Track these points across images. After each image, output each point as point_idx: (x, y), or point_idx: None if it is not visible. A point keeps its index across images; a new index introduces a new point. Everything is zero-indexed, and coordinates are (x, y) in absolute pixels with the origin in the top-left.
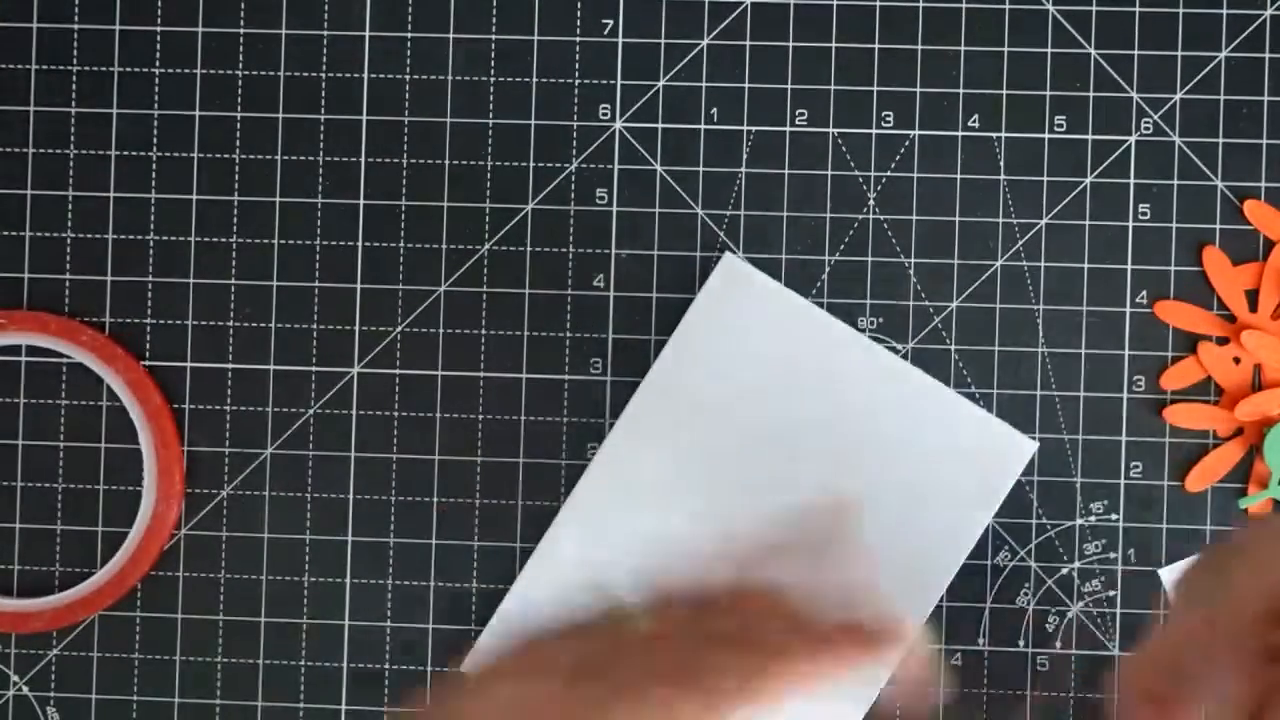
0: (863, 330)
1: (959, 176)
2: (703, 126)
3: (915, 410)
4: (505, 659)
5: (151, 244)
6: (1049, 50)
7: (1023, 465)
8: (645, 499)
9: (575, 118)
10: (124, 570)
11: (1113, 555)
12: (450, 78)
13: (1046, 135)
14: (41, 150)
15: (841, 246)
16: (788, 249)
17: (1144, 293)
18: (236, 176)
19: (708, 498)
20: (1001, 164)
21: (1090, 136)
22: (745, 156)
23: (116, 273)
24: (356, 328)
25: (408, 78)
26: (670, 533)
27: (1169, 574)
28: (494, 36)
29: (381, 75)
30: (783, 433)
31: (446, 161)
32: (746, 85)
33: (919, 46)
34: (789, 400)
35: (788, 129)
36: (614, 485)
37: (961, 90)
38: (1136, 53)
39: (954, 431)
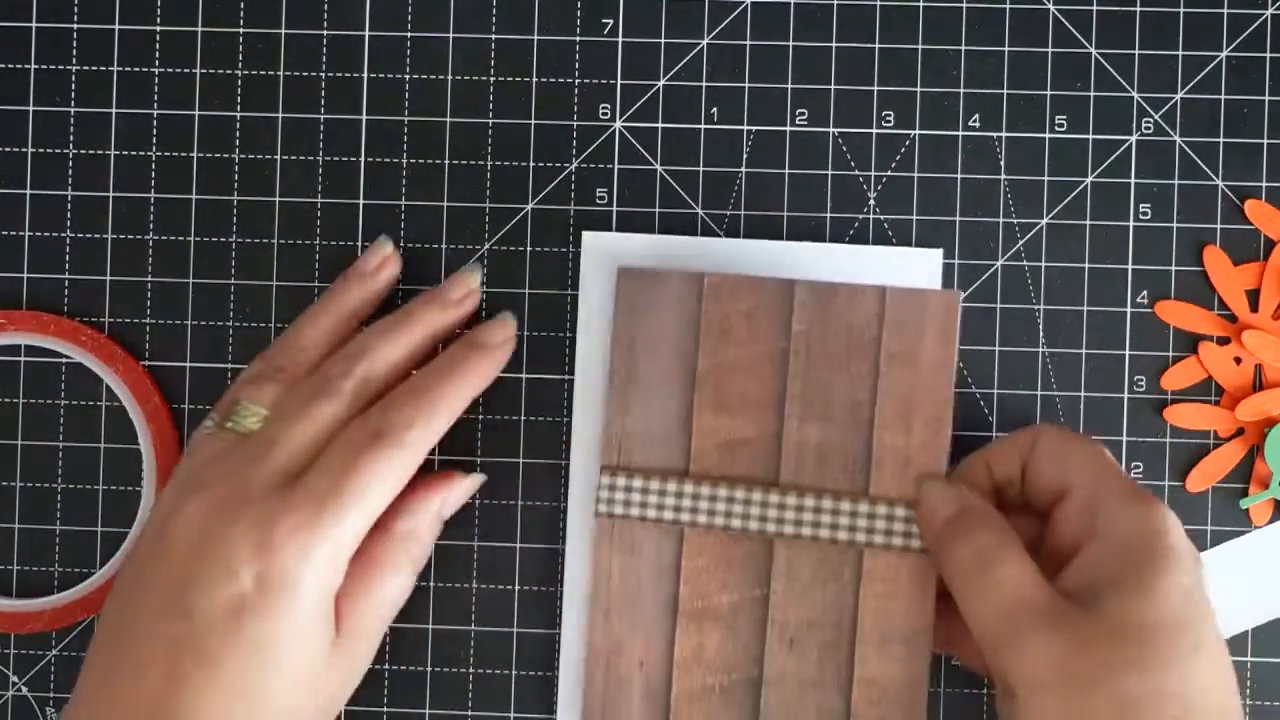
0: None
1: (959, 176)
2: (703, 126)
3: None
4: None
5: (151, 244)
6: (1049, 50)
7: (939, 271)
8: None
9: (575, 118)
10: None
11: None
12: (450, 78)
13: (1047, 135)
14: (41, 150)
15: None
16: None
17: (1144, 293)
18: (236, 176)
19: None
20: (1001, 164)
21: (1090, 136)
22: (745, 156)
23: (116, 273)
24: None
25: (408, 78)
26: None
27: None
28: (494, 36)
29: (381, 75)
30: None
31: (446, 161)
32: (746, 85)
33: (919, 46)
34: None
35: (788, 129)
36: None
37: (961, 90)
38: (1137, 52)
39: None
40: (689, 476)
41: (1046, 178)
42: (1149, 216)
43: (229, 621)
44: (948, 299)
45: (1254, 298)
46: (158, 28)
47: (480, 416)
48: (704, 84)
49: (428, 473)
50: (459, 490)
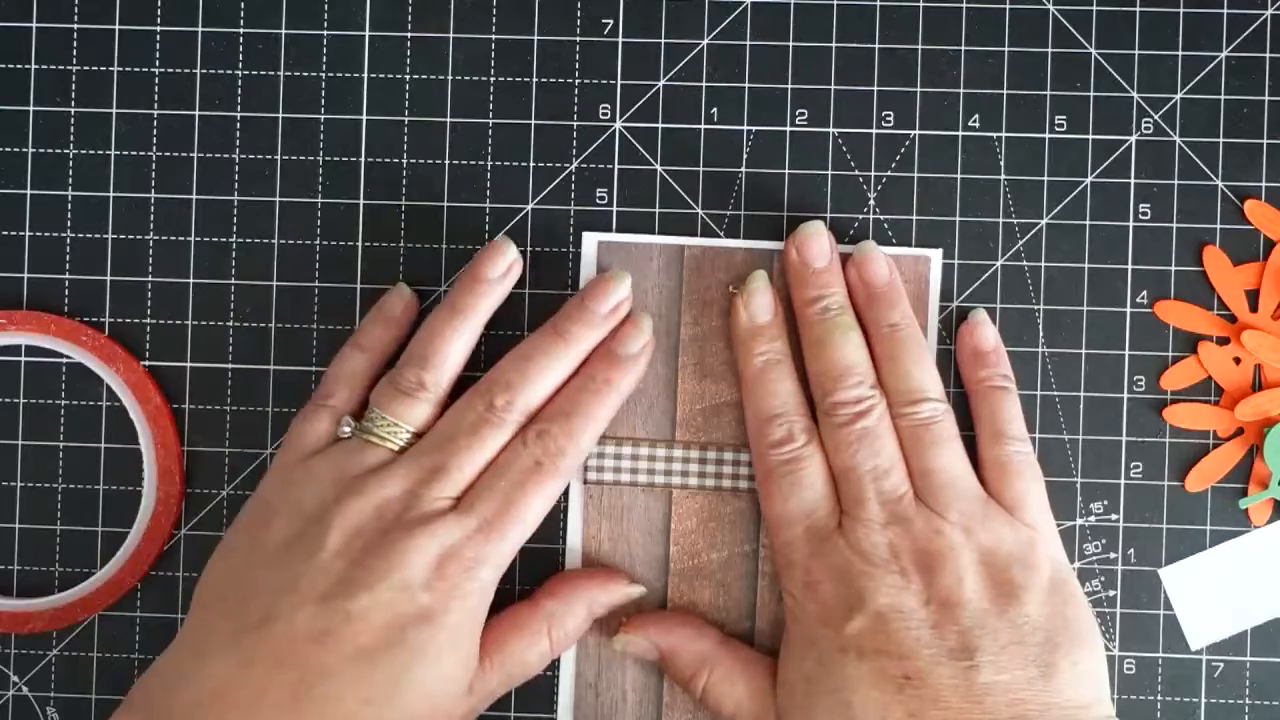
0: None
1: (959, 176)
2: (703, 126)
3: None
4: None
5: (151, 244)
6: (1049, 50)
7: (939, 271)
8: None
9: (575, 118)
10: (124, 570)
11: (1113, 555)
12: (450, 78)
13: (1046, 135)
14: (41, 150)
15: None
16: None
17: (1144, 293)
18: (236, 176)
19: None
20: (1001, 164)
21: (1090, 136)
22: (745, 156)
23: (116, 273)
24: (356, 328)
25: (408, 78)
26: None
27: (1169, 574)
28: (494, 36)
29: (381, 75)
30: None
31: (446, 161)
32: (746, 85)
33: (919, 46)
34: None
35: (788, 129)
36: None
37: (961, 90)
38: (1136, 53)
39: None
40: (675, 442)
41: (1046, 178)
42: (1149, 216)
43: (391, 627)
44: (920, 263)
45: (1253, 298)
46: (158, 28)
47: None
48: (704, 84)
49: (594, 568)
50: (615, 594)
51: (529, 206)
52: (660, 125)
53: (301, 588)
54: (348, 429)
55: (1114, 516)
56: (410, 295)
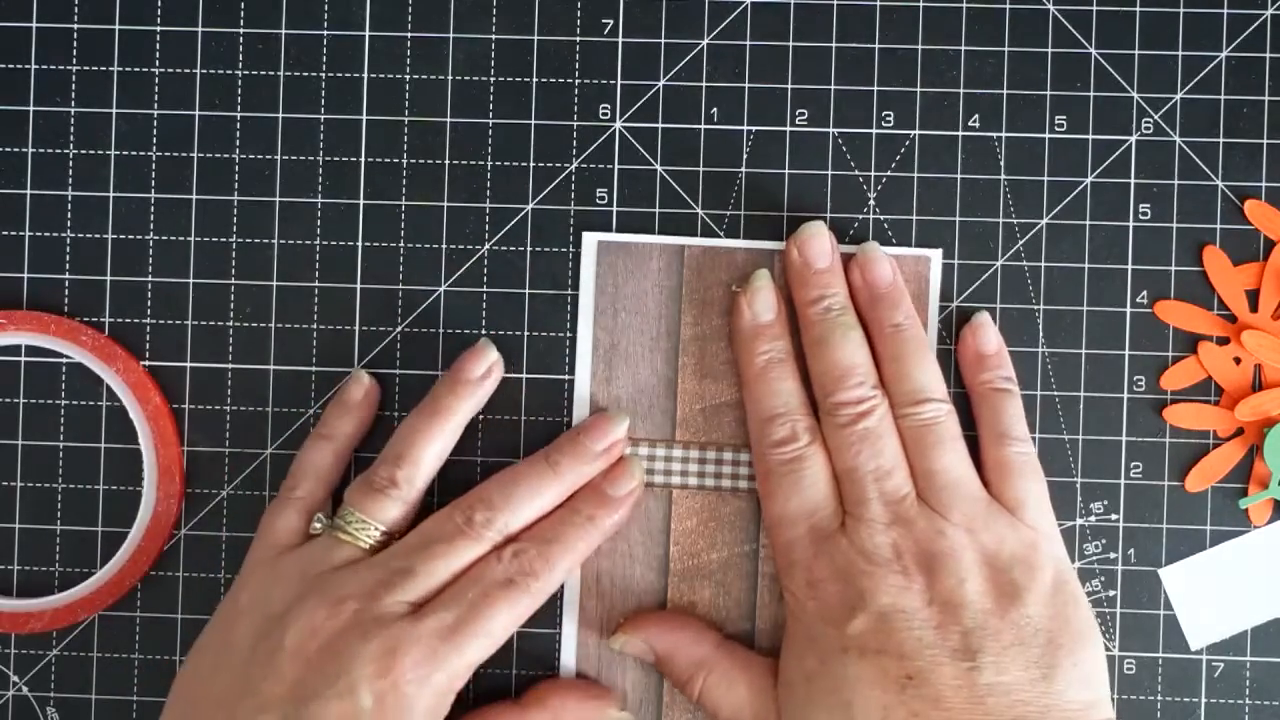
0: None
1: (959, 176)
2: (703, 126)
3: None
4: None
5: (151, 244)
6: (1049, 50)
7: (939, 271)
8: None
9: (575, 118)
10: (124, 570)
11: (1113, 555)
12: (450, 78)
13: (1046, 135)
14: (41, 150)
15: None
16: None
17: (1144, 293)
18: (236, 176)
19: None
20: (1001, 164)
21: (1090, 136)
22: (745, 156)
23: (116, 273)
24: (356, 328)
25: (408, 78)
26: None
27: (1169, 574)
28: (494, 36)
29: (381, 75)
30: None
31: (446, 161)
32: (746, 85)
33: (919, 46)
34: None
35: (788, 129)
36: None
37: (961, 90)
38: (1136, 53)
39: None
40: (675, 441)
41: (1046, 178)
42: (1149, 216)
43: None
44: (920, 263)
45: (1253, 298)
46: (158, 28)
47: (481, 417)
48: (704, 84)
49: (594, 686)
50: (603, 716)
51: (529, 206)
52: (660, 125)
53: (261, 691)
54: (319, 525)
55: (1114, 516)
56: (369, 382)
